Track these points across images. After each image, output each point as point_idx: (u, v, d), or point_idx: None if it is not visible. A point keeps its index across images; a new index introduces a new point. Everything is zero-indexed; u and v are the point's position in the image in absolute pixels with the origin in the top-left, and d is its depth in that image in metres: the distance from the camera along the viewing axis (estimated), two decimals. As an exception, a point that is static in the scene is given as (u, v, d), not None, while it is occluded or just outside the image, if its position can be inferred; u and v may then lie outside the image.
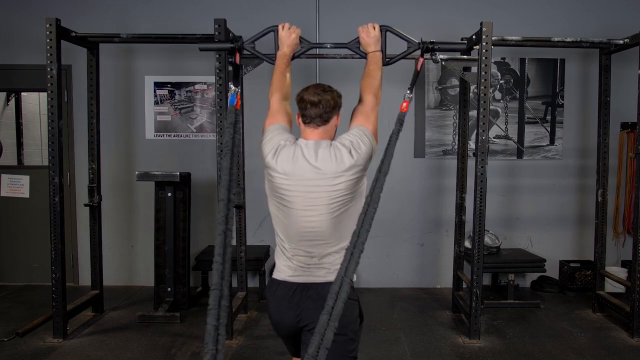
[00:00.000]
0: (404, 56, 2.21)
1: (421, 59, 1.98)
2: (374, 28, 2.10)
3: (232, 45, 2.12)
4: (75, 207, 4.77)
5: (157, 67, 4.73)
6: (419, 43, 2.10)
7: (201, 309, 4.18)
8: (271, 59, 2.17)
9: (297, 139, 1.86)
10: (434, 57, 2.12)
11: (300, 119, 1.87)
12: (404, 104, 1.75)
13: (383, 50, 2.10)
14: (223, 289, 1.27)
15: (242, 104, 4.16)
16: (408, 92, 1.80)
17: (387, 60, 2.16)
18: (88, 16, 4.60)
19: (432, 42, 2.06)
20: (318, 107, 1.82)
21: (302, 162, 1.77)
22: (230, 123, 1.66)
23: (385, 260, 4.83)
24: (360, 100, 1.97)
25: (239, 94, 1.81)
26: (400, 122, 1.70)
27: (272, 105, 1.99)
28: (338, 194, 1.76)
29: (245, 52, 2.22)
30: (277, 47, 2.14)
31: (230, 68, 3.43)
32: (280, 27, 2.14)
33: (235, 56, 2.10)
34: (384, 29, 2.12)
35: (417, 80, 1.92)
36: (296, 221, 1.80)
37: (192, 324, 3.85)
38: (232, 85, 1.82)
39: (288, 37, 2.12)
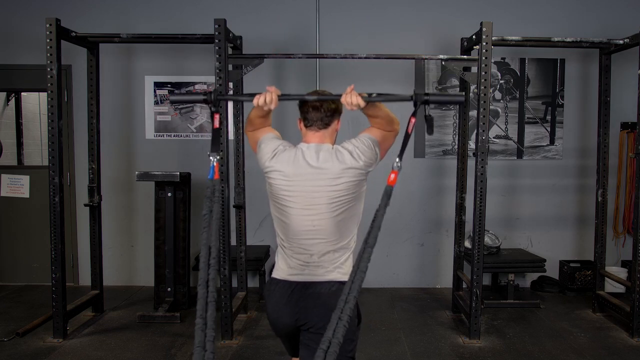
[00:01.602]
0: (393, 100, 1.85)
1: (412, 120, 1.57)
2: (358, 103, 1.72)
3: (204, 97, 1.76)
4: (75, 207, 4.78)
5: (157, 67, 4.73)
6: (411, 96, 1.66)
7: (201, 309, 4.18)
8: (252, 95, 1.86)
9: (296, 145, 1.87)
10: (426, 114, 1.78)
11: (301, 123, 1.89)
12: (392, 176, 1.50)
13: (374, 100, 1.79)
14: (206, 345, 1.27)
15: (242, 104, 4.16)
16: (397, 161, 1.52)
17: (376, 96, 1.82)
18: (88, 16, 4.60)
19: (426, 94, 1.64)
20: (319, 110, 1.84)
21: (303, 164, 1.79)
22: (208, 197, 1.56)
23: (385, 260, 4.83)
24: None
25: (218, 163, 1.63)
26: (387, 196, 1.50)
27: (252, 133, 1.98)
28: (338, 194, 1.78)
29: (219, 99, 1.81)
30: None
31: (231, 67, 3.43)
32: (255, 102, 1.81)
33: (213, 119, 1.73)
34: (367, 100, 1.74)
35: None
36: (297, 221, 1.82)
37: (192, 324, 3.82)
38: (210, 155, 1.60)
39: (267, 111, 1.89)
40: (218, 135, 1.68)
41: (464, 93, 2.23)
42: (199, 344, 1.24)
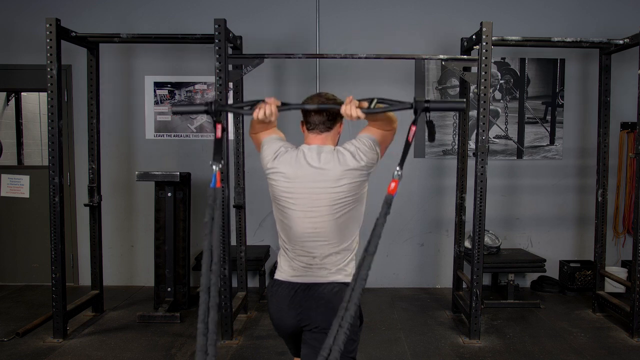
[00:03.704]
0: (393, 110, 1.76)
1: (413, 128, 1.53)
2: (357, 115, 1.68)
3: (205, 109, 1.72)
4: (75, 207, 4.77)
5: (157, 67, 4.73)
6: (411, 104, 1.63)
7: (201, 309, 4.18)
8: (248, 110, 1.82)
9: (298, 147, 1.87)
10: (427, 120, 1.70)
11: (304, 127, 1.89)
12: (392, 185, 1.46)
13: (373, 112, 1.74)
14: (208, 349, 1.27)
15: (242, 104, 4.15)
16: (398, 169, 1.48)
17: (376, 104, 1.76)
18: (88, 16, 4.60)
19: (427, 101, 1.62)
20: (321, 114, 1.84)
21: (305, 165, 1.79)
22: (210, 204, 1.56)
23: (385, 260, 4.83)
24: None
25: (219, 172, 1.56)
26: (387, 205, 1.45)
27: (255, 136, 1.97)
28: (340, 195, 1.78)
29: (219, 111, 1.76)
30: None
31: (231, 67, 3.43)
32: (255, 115, 1.76)
33: (216, 129, 1.68)
34: (367, 112, 1.70)
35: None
36: (299, 223, 1.81)
37: (192, 324, 3.85)
38: (212, 165, 1.56)
39: (267, 123, 1.87)
40: (220, 144, 1.63)
41: (464, 100, 2.21)
42: (200, 347, 1.23)
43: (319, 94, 1.91)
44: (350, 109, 1.66)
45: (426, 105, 1.60)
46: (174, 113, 1.84)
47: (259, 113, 1.72)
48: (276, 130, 1.98)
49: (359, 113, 1.66)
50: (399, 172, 1.47)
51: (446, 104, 1.79)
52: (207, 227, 1.45)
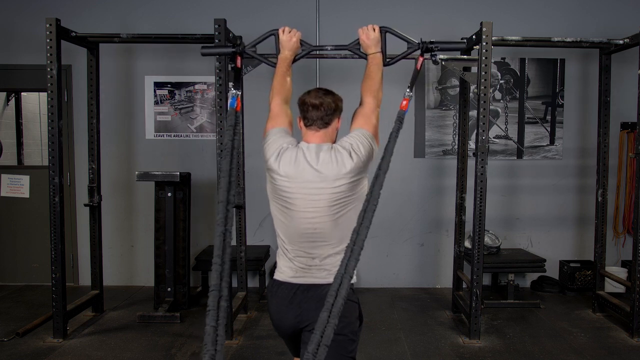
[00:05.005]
0: (404, 56, 2.24)
1: (421, 58, 1.97)
2: (374, 30, 2.10)
3: (233, 50, 2.12)
4: (75, 207, 4.77)
5: (157, 67, 4.73)
6: (418, 43, 2.09)
7: (201, 309, 4.19)
8: (272, 61, 2.19)
9: (298, 142, 1.87)
10: (434, 57, 2.10)
11: (301, 122, 1.89)
12: (404, 102, 1.75)
13: (383, 51, 2.12)
14: (222, 289, 1.27)
15: (242, 105, 4.16)
16: (408, 90, 1.80)
17: (388, 61, 2.19)
18: (88, 16, 4.60)
19: (431, 42, 2.06)
20: (319, 109, 1.84)
21: (304, 165, 1.78)
22: (230, 125, 1.64)
23: (385, 260, 4.83)
24: (361, 103, 1.98)
25: (239, 96, 1.80)
26: (400, 120, 1.70)
27: (272, 109, 2.00)
28: (339, 196, 1.77)
29: (245, 54, 2.22)
30: (278, 50, 2.15)
31: (230, 68, 3.44)
32: (280, 31, 2.15)
33: (236, 60, 2.11)
34: (384, 30, 2.12)
35: (417, 80, 1.92)
36: (298, 223, 1.81)
37: (192, 324, 3.85)
38: (232, 88, 1.82)
39: (289, 40, 2.14)
40: (239, 73, 2.05)
41: (465, 41, 2.58)
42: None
43: (318, 89, 1.92)
44: (367, 28, 2.10)
45: (430, 46, 2.07)
46: (203, 54, 2.23)
47: (284, 29, 2.15)
48: (288, 115, 1.98)
49: (375, 26, 2.11)
50: (410, 92, 1.82)
51: (449, 44, 2.16)
52: (226, 150, 1.51)
